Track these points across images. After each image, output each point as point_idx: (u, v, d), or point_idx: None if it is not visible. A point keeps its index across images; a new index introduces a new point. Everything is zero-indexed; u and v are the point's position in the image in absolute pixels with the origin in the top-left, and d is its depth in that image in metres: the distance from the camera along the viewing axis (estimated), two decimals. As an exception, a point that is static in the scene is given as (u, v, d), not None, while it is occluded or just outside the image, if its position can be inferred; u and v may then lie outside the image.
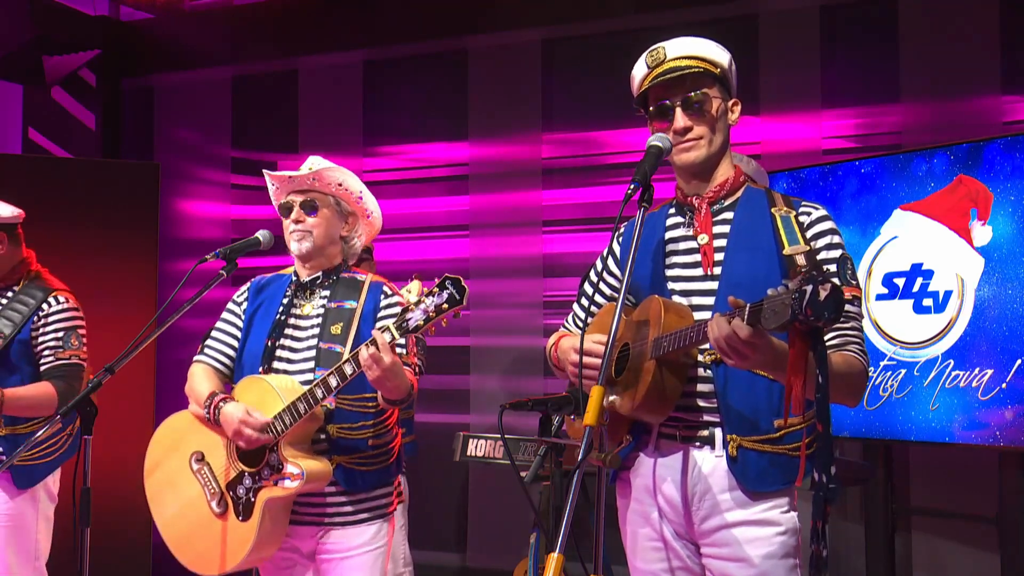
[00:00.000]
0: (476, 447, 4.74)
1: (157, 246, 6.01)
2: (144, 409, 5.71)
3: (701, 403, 2.30)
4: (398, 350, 2.82)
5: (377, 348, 2.63)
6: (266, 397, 2.84)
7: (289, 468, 2.79)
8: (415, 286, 4.24)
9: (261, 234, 3.07)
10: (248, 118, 6.75)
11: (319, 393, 2.75)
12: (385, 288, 2.98)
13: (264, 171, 3.06)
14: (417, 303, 2.63)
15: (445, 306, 2.60)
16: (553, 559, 1.86)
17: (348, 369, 2.73)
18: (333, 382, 2.74)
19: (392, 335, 2.65)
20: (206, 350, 3.08)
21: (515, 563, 4.74)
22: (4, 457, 3.58)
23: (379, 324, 2.76)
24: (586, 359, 2.24)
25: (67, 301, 3.78)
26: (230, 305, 3.11)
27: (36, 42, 6.19)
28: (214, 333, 3.09)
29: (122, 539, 5.57)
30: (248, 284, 3.14)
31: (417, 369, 2.94)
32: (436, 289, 2.61)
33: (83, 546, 2.98)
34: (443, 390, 5.91)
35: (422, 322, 2.62)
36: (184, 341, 6.51)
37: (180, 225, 6.84)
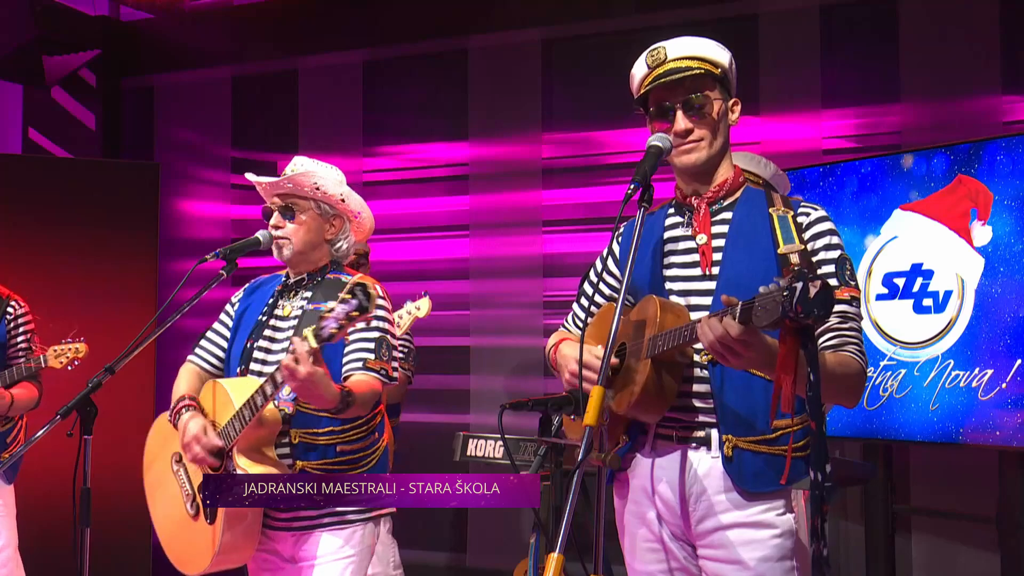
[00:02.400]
0: (476, 447, 4.73)
1: (157, 246, 6.02)
2: (144, 409, 5.70)
3: (697, 403, 2.30)
4: (363, 355, 2.77)
5: (295, 358, 2.50)
6: (222, 401, 2.81)
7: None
8: (425, 303, 4.22)
9: (261, 234, 3.03)
10: (248, 118, 6.75)
11: (259, 400, 2.66)
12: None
13: (247, 175, 3.03)
14: (330, 310, 2.51)
15: (355, 314, 2.48)
16: (553, 559, 1.86)
17: (279, 376, 2.59)
18: (268, 389, 2.63)
19: (310, 344, 2.48)
20: (197, 350, 3.07)
21: (515, 563, 4.74)
22: None
23: (304, 331, 2.56)
24: (585, 372, 2.23)
25: (24, 305, 3.97)
26: (227, 305, 3.09)
27: (36, 42, 6.19)
28: (208, 333, 3.08)
29: (122, 539, 5.57)
30: (247, 284, 3.12)
31: (387, 373, 2.81)
32: (348, 296, 2.48)
33: (83, 546, 2.97)
34: (443, 390, 5.91)
35: (335, 330, 2.48)
36: (184, 341, 6.48)
37: (180, 225, 6.84)
